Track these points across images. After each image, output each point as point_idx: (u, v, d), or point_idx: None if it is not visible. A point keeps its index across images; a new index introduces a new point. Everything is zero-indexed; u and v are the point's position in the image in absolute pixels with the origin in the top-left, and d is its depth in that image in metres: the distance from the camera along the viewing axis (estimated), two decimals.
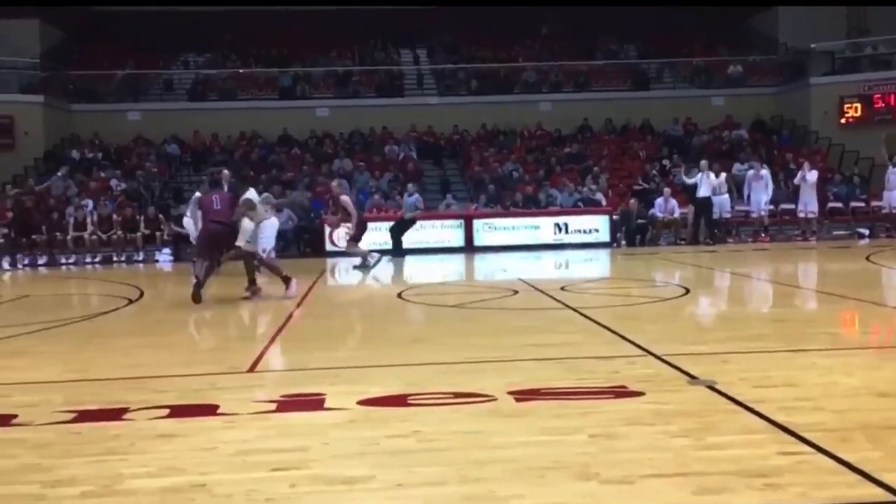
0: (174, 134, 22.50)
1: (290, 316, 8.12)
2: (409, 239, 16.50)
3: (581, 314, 7.69)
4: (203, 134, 22.55)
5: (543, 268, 14.67)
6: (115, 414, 4.44)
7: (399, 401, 4.67)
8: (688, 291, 9.80)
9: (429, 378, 5.30)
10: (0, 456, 3.78)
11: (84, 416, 4.43)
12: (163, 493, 3.26)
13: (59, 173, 18.55)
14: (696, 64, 26.02)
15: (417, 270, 14.32)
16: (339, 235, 14.75)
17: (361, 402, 4.57)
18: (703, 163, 17.81)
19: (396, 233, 16.02)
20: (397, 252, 15.74)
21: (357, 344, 6.93)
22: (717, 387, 4.63)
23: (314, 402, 4.62)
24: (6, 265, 15.39)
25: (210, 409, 4.50)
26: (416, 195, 16.47)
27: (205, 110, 23.33)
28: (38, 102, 21.74)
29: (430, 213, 17.69)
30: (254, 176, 16.63)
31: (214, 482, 3.37)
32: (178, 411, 4.50)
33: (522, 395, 4.60)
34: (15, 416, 4.41)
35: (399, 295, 9.77)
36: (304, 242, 17.26)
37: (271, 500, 3.18)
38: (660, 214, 17.95)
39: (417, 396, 4.73)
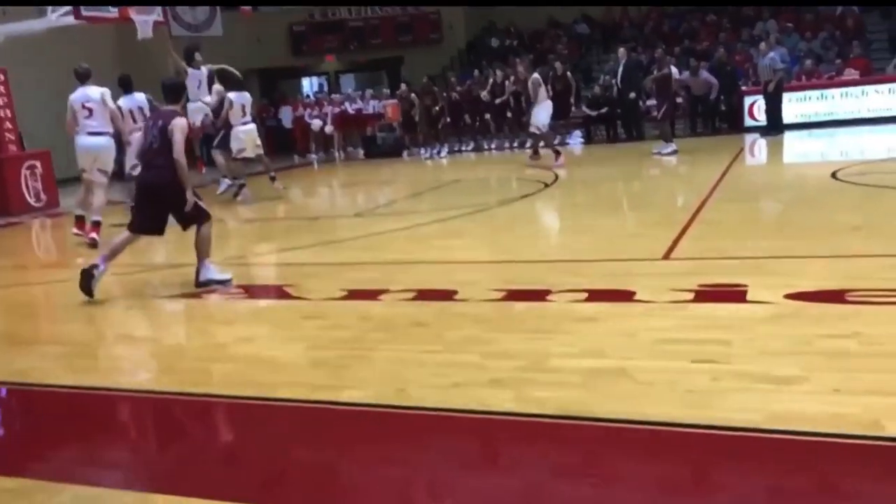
0: (584, 13, 22.57)
1: (705, 201, 7.78)
2: (847, 108, 14.56)
3: None
4: (614, 10, 22.28)
5: None
6: (540, 295, 4.74)
7: (835, 297, 4.21)
8: None
9: (871, 272, 4.68)
10: (448, 327, 4.31)
11: (513, 296, 4.81)
12: (587, 374, 3.41)
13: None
14: None
15: (857, 145, 12.61)
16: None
17: (789, 297, 4.22)
18: None
19: (769, 104, 14.29)
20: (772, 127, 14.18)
21: (782, 231, 6.38)
22: None
23: (735, 294, 4.39)
24: (444, 152, 17.32)
25: (627, 295, 4.55)
26: (772, 54, 14.22)
27: None
28: None
29: (876, 76, 15.31)
30: (665, 49, 15.90)
31: (635, 368, 3.42)
32: (596, 295, 4.64)
33: None
34: (456, 292, 4.97)
35: (833, 175, 8.71)
36: (719, 117, 16.29)
37: (692, 391, 3.13)
38: None
39: (858, 293, 4.21)
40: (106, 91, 8.34)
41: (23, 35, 12.99)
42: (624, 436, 2.87)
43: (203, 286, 5.71)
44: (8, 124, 12.68)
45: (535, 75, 13.04)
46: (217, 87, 10.77)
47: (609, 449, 2.81)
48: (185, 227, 5.81)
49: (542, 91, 12.78)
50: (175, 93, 5.93)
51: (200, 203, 5.78)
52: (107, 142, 8.34)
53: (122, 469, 3.04)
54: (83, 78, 8.28)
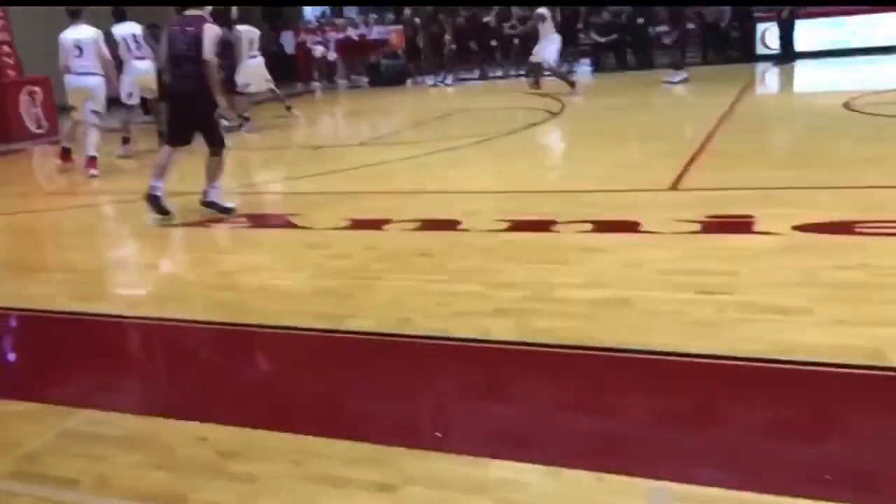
0: None
1: (714, 131, 7.66)
2: (862, 37, 14.23)
3: None
4: None
5: None
6: (545, 225, 4.71)
7: (843, 228, 4.17)
8: None
9: (881, 203, 4.63)
10: (452, 256, 4.30)
11: (518, 226, 4.78)
12: (591, 305, 3.40)
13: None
14: None
15: (870, 74, 12.35)
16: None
17: (797, 228, 4.18)
18: None
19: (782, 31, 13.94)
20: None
21: (792, 162, 6.30)
22: None
23: (742, 225, 4.35)
24: (449, 81, 17.05)
25: (632, 226, 4.52)
26: None
27: None
28: None
29: (892, 5, 14.89)
30: None
31: (639, 298, 3.41)
32: (601, 226, 4.60)
33: None
34: (459, 222, 4.94)
35: (846, 105, 8.56)
36: (731, 45, 15.89)
37: (697, 322, 3.12)
38: None
39: (867, 224, 4.17)
40: (99, 34, 8.26)
41: None
42: (627, 365, 2.88)
43: (207, 206, 5.70)
44: (6, 48, 12.46)
45: (541, 9, 12.69)
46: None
47: (612, 378, 2.83)
48: (210, 143, 5.77)
49: (549, 24, 12.46)
50: None
51: (222, 125, 5.82)
52: (98, 81, 8.28)
53: (130, 394, 3.07)
54: (74, 16, 8.18)
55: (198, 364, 3.42)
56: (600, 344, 3.00)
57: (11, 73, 12.55)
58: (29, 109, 12.44)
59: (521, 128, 9.40)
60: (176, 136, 5.77)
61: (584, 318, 3.27)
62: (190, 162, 5.83)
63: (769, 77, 13.19)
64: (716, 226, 4.43)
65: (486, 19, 16.72)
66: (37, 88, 12.51)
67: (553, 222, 4.73)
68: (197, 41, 5.48)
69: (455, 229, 4.83)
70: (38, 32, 13.43)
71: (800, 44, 14.31)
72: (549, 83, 12.98)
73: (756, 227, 4.28)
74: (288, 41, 20.14)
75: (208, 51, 5.46)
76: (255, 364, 3.34)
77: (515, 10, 16.19)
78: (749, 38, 15.49)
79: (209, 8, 5.78)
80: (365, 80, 18.61)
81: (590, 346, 3.00)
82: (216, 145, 5.76)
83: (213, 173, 5.77)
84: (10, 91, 12.26)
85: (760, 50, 15.19)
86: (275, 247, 5.08)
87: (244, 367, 3.31)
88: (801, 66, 13.81)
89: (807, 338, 2.90)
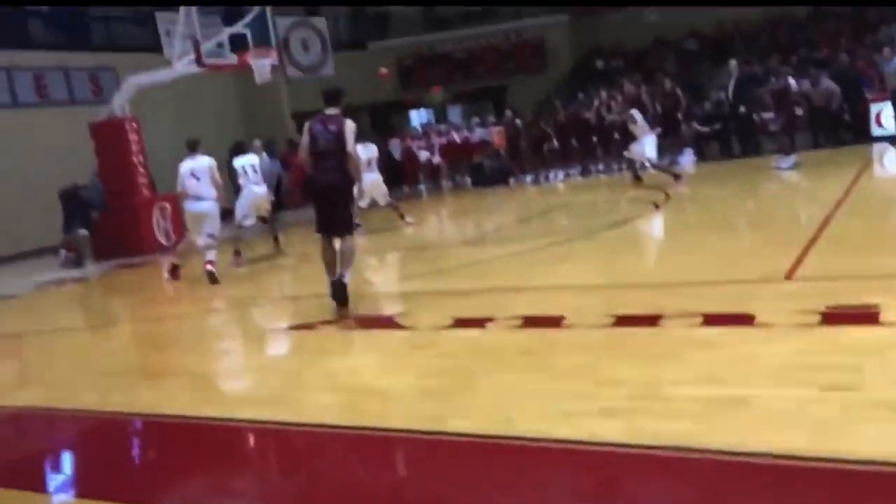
0: (693, 28, 21.95)
1: (831, 216, 7.33)
2: None
3: None
4: (725, 24, 21.58)
5: None
6: (652, 320, 4.57)
7: None
8: None
9: None
10: (556, 354, 4.22)
11: (624, 321, 4.67)
12: (703, 403, 3.25)
13: None
14: None
15: None
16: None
17: None
18: None
19: None
20: None
21: None
22: None
23: (866, 315, 4.09)
24: (551, 178, 17.22)
25: (746, 319, 4.32)
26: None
27: None
28: (563, 21, 23.26)
29: None
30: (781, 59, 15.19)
31: (757, 396, 3.23)
32: (712, 319, 4.43)
33: None
34: (564, 318, 4.87)
35: None
36: (843, 127, 15.34)
37: (822, 422, 2.92)
38: None
39: None
40: (213, 161, 8.93)
41: (153, 85, 13.81)
42: (746, 469, 2.70)
43: (340, 286, 5.95)
44: (141, 169, 13.55)
45: (633, 111, 12.76)
46: None
47: (729, 484, 2.65)
48: (340, 234, 6.13)
49: (641, 125, 12.49)
50: (335, 96, 6.23)
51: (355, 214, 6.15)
52: (212, 206, 8.87)
53: (238, 498, 3.12)
54: (192, 147, 8.92)
55: (301, 468, 3.45)
56: (715, 446, 2.84)
57: (145, 191, 13.60)
58: (160, 224, 13.40)
59: (625, 220, 9.31)
60: (325, 225, 6.17)
61: (697, 418, 3.11)
62: (302, 268, 6.06)
63: (887, 158, 12.62)
64: (837, 317, 4.17)
65: (587, 114, 16.93)
66: (167, 204, 13.47)
67: (661, 316, 4.59)
68: (339, 137, 5.91)
69: (559, 326, 4.76)
70: (168, 153, 14.58)
71: None
72: (652, 175, 12.88)
73: (882, 318, 4.01)
74: (395, 148, 20.99)
75: (350, 144, 5.93)
76: (358, 467, 3.33)
77: (615, 107, 16.31)
78: (862, 119, 14.93)
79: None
80: (468, 180, 19.02)
81: (704, 449, 2.84)
82: (349, 234, 6.14)
83: (348, 259, 6.10)
84: (143, 207, 13.27)
85: (876, 131, 14.60)
86: (381, 347, 5.15)
87: (347, 471, 3.31)
88: None
89: None
